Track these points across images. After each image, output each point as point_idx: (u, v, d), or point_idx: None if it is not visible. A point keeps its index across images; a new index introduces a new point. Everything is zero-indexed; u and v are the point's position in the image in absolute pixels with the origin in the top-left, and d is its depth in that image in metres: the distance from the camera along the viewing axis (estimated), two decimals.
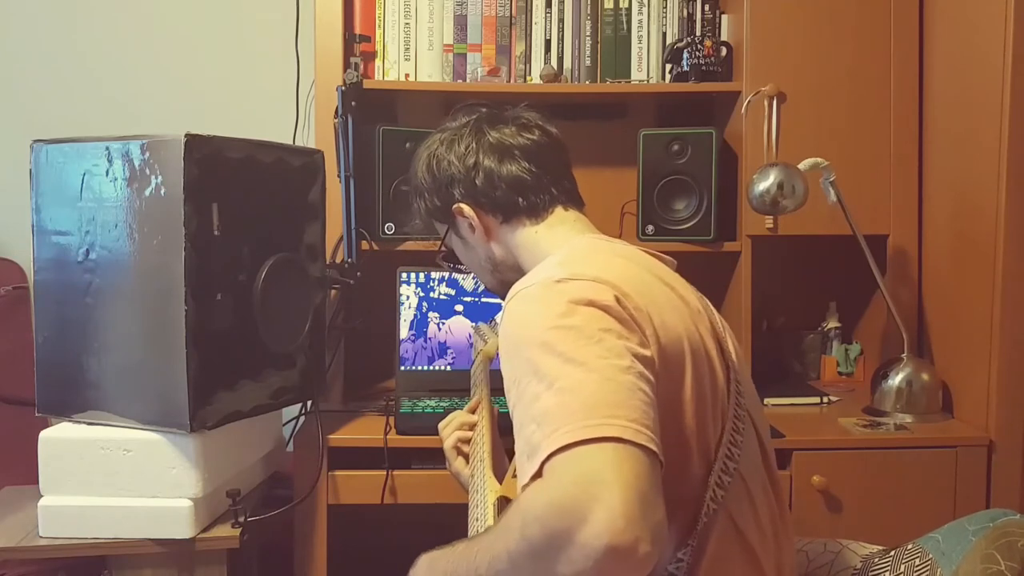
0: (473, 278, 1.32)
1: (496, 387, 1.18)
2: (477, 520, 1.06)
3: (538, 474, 0.78)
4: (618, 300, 0.91)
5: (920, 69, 1.93)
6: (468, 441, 1.33)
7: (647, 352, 0.89)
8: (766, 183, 1.74)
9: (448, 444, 1.35)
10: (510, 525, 0.80)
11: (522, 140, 1.20)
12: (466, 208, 1.19)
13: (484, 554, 0.85)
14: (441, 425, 1.38)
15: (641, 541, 0.71)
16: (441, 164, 1.21)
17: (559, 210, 1.19)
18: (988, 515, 1.08)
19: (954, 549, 1.07)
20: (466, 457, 1.33)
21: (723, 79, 1.99)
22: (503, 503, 1.00)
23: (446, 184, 1.21)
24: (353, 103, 1.85)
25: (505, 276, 1.23)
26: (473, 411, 1.36)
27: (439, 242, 1.30)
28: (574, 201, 1.22)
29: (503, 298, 1.28)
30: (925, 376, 1.79)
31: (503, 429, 1.20)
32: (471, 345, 1.90)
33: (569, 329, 0.86)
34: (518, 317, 0.93)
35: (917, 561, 1.11)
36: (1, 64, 2.26)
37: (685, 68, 1.98)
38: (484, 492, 1.06)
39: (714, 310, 1.08)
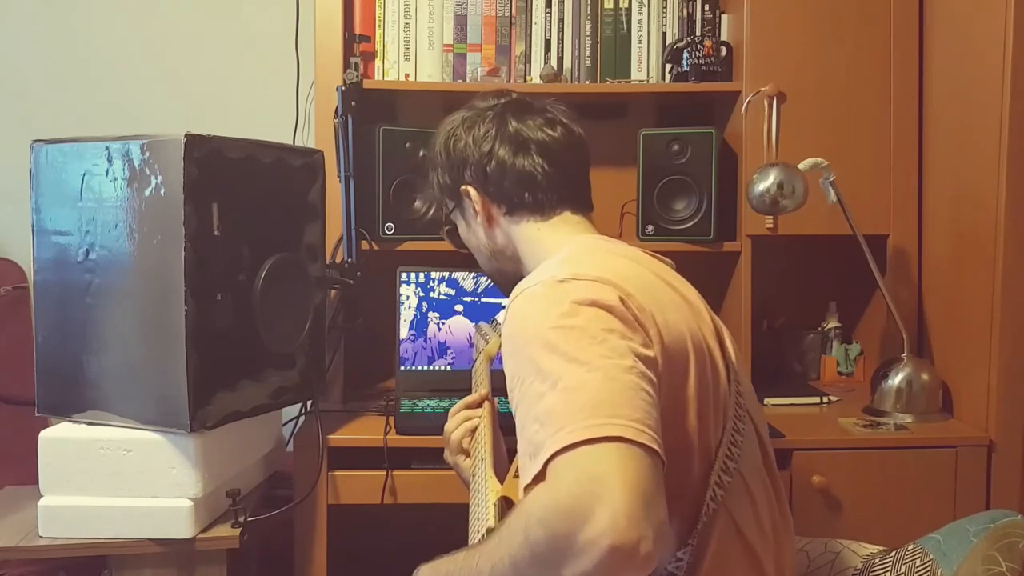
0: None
1: (498, 387, 1.18)
2: (478, 520, 1.05)
3: (541, 474, 0.78)
4: (622, 300, 0.91)
5: (920, 69, 1.93)
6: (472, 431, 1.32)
7: (650, 352, 0.89)
8: (766, 183, 1.74)
9: (456, 436, 1.29)
10: (513, 529, 0.80)
11: (542, 136, 1.19)
12: (472, 192, 1.20)
13: (486, 560, 0.85)
14: (451, 413, 1.33)
15: (644, 541, 0.71)
16: (457, 144, 1.21)
17: (567, 214, 1.18)
18: (989, 516, 1.08)
19: (955, 550, 1.07)
20: (466, 452, 1.32)
21: (723, 79, 1.99)
22: (504, 503, 1.00)
23: (459, 164, 1.21)
24: (353, 103, 1.84)
25: (502, 264, 1.23)
26: (478, 405, 1.35)
27: (445, 217, 1.31)
28: (583, 206, 1.21)
29: (497, 283, 1.29)
30: (925, 376, 1.79)
31: (504, 428, 1.20)
32: (472, 345, 1.90)
33: (572, 329, 0.86)
34: (521, 316, 0.93)
35: (918, 562, 1.11)
36: (1, 64, 2.26)
37: (685, 68, 1.98)
38: (485, 492, 1.05)
39: (711, 310, 1.08)
